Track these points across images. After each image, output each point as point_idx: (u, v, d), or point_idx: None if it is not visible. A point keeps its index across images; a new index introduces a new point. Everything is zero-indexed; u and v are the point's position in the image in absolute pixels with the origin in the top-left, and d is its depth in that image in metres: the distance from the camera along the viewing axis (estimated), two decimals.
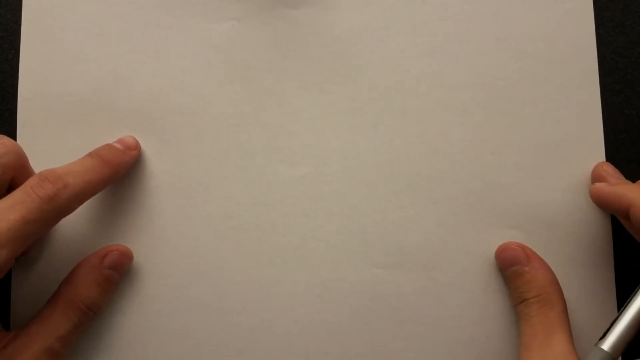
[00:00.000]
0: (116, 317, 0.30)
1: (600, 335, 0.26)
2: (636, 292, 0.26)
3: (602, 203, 0.29)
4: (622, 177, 0.30)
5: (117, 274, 0.30)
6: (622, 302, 0.28)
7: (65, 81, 0.32)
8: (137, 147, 0.31)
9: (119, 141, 0.30)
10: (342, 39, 0.32)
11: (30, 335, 0.27)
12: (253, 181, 0.31)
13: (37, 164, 0.29)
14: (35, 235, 0.25)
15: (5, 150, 0.27)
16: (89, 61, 0.32)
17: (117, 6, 0.32)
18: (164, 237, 0.31)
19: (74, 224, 0.31)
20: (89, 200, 0.28)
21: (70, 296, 0.28)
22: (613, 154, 0.31)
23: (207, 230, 0.31)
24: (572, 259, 0.30)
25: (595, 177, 0.30)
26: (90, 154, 0.29)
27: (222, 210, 0.31)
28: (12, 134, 0.31)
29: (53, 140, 0.31)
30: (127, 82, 0.32)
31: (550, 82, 0.31)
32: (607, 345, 0.25)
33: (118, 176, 0.30)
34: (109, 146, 0.30)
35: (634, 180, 0.29)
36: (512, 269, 0.29)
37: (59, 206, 0.26)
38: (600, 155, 0.31)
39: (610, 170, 0.30)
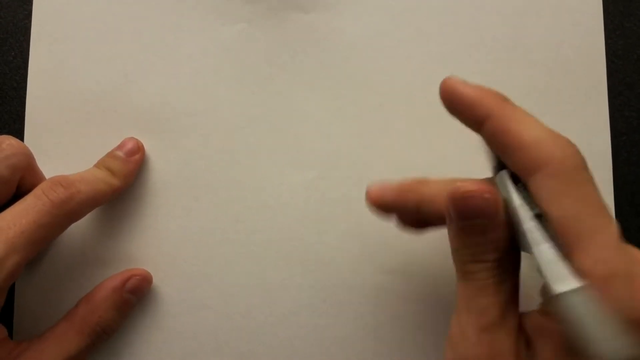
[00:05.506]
0: None
1: None
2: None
3: (452, 105, 0.23)
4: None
5: (135, 298, 0.30)
6: None
7: (74, 81, 0.31)
8: (139, 149, 0.30)
9: (120, 147, 0.30)
10: (352, 44, 0.32)
11: (41, 351, 0.27)
12: (260, 184, 0.31)
13: (45, 164, 0.29)
14: (46, 239, 0.25)
15: (13, 151, 0.27)
16: (99, 61, 0.31)
17: (127, 6, 0.32)
18: (170, 238, 0.31)
19: (80, 225, 0.30)
20: None
21: (88, 317, 0.28)
22: (613, 156, 0.31)
23: (213, 233, 0.31)
24: None
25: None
26: (97, 166, 0.29)
27: (228, 212, 0.31)
28: (16, 135, 0.31)
29: (61, 140, 0.31)
30: (136, 82, 0.31)
31: (558, 91, 0.31)
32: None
33: (128, 185, 0.30)
34: (112, 157, 0.30)
35: (639, 189, 0.29)
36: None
37: (70, 210, 0.26)
38: (607, 164, 0.31)
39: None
